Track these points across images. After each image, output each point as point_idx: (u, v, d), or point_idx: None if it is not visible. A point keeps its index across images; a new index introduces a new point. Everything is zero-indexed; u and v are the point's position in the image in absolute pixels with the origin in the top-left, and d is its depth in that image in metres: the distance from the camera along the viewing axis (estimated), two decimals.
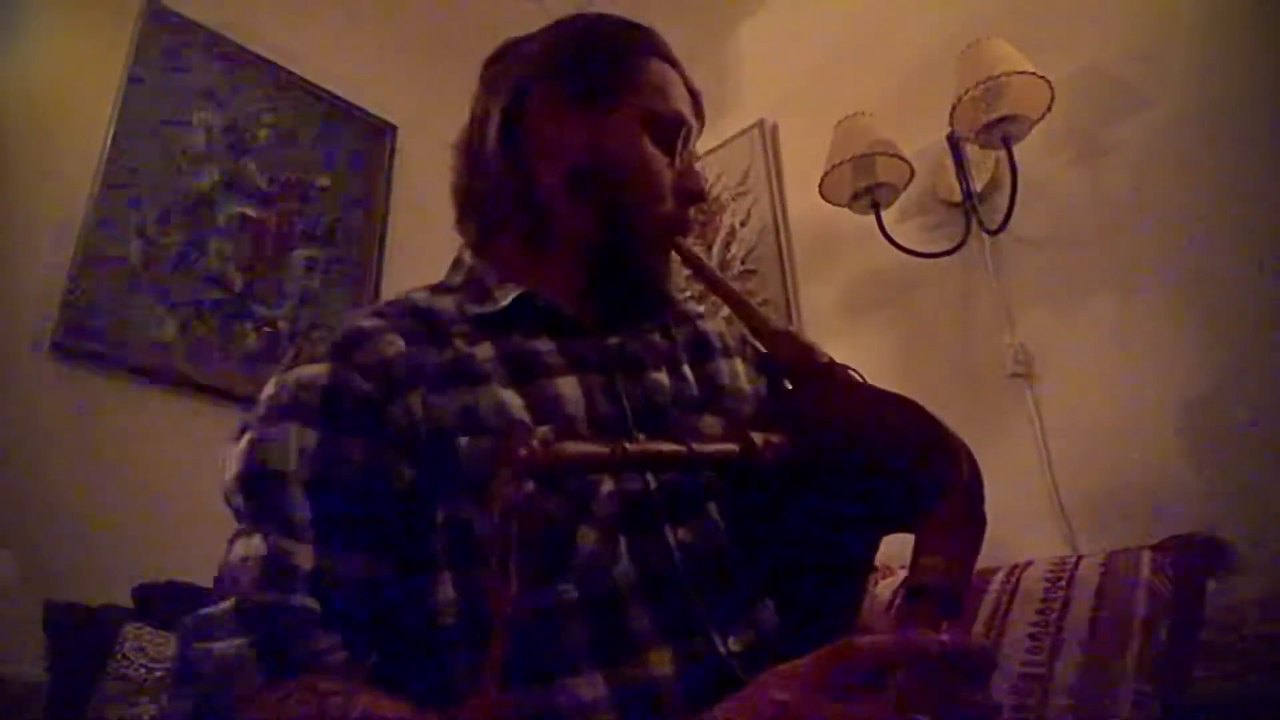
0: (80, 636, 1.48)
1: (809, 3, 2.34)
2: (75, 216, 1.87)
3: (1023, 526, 1.50)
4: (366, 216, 2.44)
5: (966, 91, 1.65)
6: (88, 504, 1.68)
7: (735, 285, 0.89)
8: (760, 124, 2.27)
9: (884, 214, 1.85)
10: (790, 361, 0.71)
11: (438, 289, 0.77)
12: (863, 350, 1.91)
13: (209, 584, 0.60)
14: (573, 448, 0.52)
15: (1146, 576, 1.14)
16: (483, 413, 0.64)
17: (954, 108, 1.69)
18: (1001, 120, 1.65)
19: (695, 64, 0.86)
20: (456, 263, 0.80)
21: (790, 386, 0.75)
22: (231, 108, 2.24)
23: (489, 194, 0.78)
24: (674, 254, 0.78)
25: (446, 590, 0.60)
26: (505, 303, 0.72)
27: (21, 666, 1.47)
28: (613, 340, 0.74)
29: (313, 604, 0.57)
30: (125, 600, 1.56)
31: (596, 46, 0.79)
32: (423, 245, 2.47)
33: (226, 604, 0.57)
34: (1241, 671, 1.12)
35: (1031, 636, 1.15)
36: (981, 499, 0.57)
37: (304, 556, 0.58)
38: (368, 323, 0.69)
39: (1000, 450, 1.60)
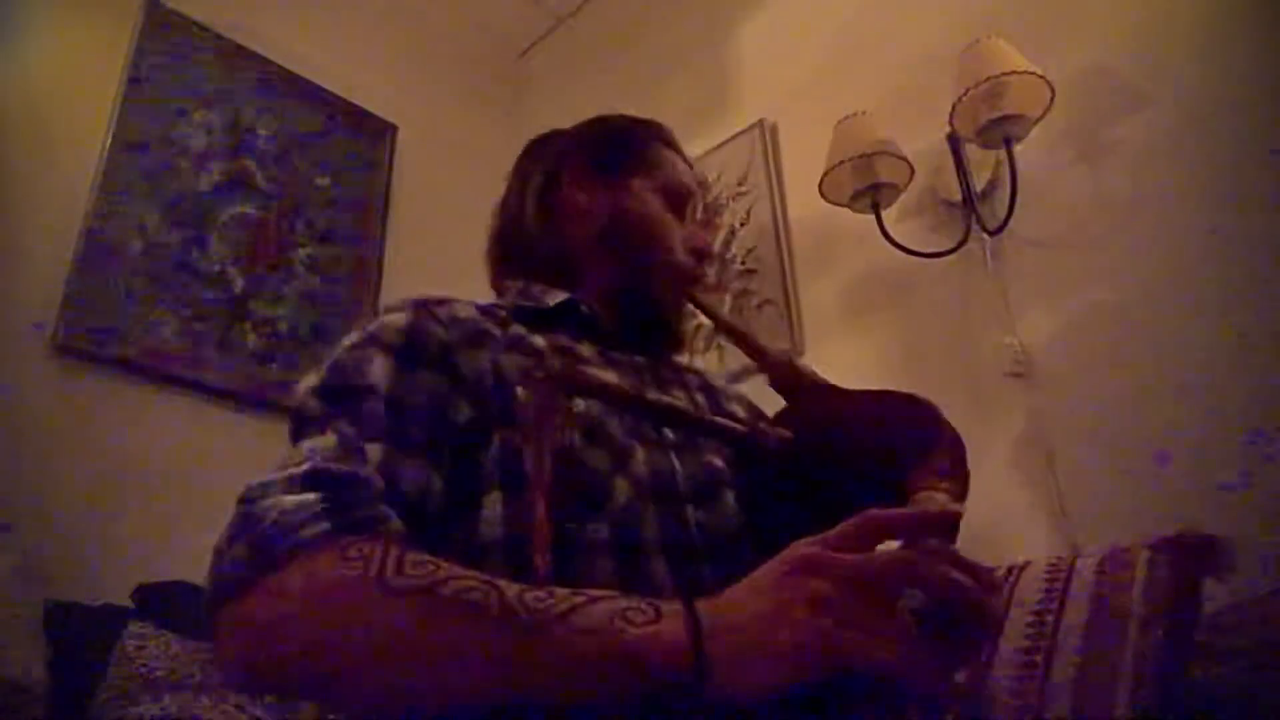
0: (80, 636, 1.48)
1: (809, 3, 2.34)
2: (75, 216, 1.87)
3: (1023, 526, 1.50)
4: (366, 216, 2.43)
5: (966, 91, 1.65)
6: (88, 504, 1.68)
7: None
8: (760, 124, 2.27)
9: (884, 214, 1.85)
10: (788, 382, 0.79)
11: (489, 303, 0.86)
12: (863, 350, 1.90)
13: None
14: (596, 373, 0.61)
15: (1143, 575, 1.14)
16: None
17: (954, 108, 1.69)
18: (1001, 120, 1.65)
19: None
20: (503, 291, 0.92)
21: (788, 405, 0.82)
22: (231, 108, 2.24)
23: (527, 248, 0.92)
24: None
25: (495, 507, 0.64)
26: (554, 303, 0.84)
27: (21, 666, 1.47)
28: (640, 359, 0.85)
29: (380, 480, 0.60)
30: (125, 600, 1.56)
31: (619, 134, 0.95)
32: (423, 245, 2.47)
33: (294, 469, 0.58)
34: (1239, 671, 1.12)
35: (1028, 636, 1.15)
36: (964, 455, 0.65)
37: (373, 450, 0.62)
38: (441, 295, 0.78)
39: (1000, 450, 1.60)
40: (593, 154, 0.93)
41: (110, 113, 1.99)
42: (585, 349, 0.80)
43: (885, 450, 0.67)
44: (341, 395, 0.65)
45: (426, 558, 0.53)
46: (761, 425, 0.69)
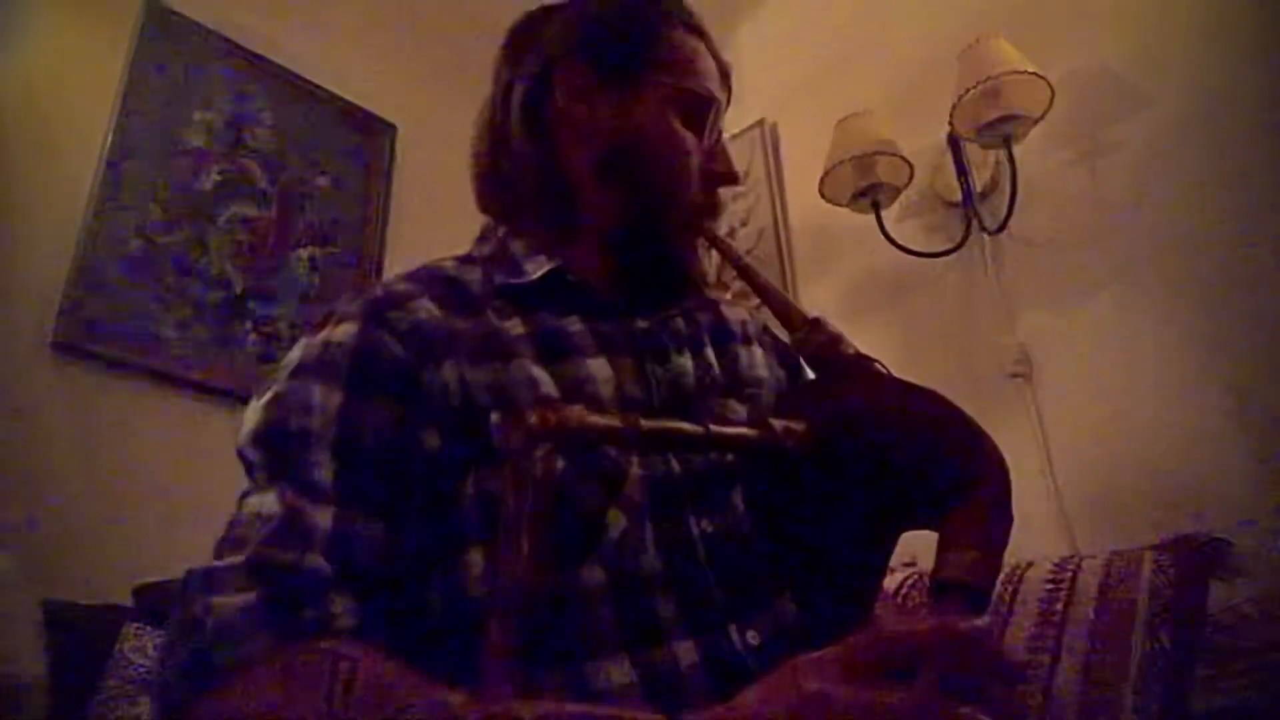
0: (80, 636, 1.48)
1: (809, 3, 2.34)
2: (75, 216, 1.87)
3: (1023, 526, 1.48)
4: (366, 216, 2.43)
5: (966, 91, 1.65)
6: (88, 504, 1.68)
7: (737, 285, 0.90)
8: (760, 124, 2.27)
9: (884, 214, 1.85)
10: (816, 350, 0.70)
11: (465, 260, 0.76)
12: (863, 350, 1.90)
13: None
14: (583, 417, 0.51)
15: (1148, 577, 1.14)
16: (514, 388, 0.63)
17: (954, 108, 1.69)
18: (1001, 120, 1.65)
19: None
20: (485, 234, 0.79)
21: (814, 375, 0.73)
22: (231, 108, 2.23)
23: (513, 175, 0.77)
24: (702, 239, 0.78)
25: (476, 564, 0.58)
26: (536, 276, 0.71)
27: (21, 666, 1.47)
28: (640, 324, 0.73)
29: (327, 567, 0.54)
30: (125, 600, 1.56)
31: (625, 20, 0.77)
32: (423, 245, 2.46)
33: (236, 559, 0.54)
34: (1243, 672, 1.12)
35: (1033, 638, 1.15)
36: (1009, 495, 0.57)
37: (322, 518, 0.56)
38: (400, 286, 0.68)
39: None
40: (592, 51, 0.75)
41: (110, 113, 1.99)
42: (573, 323, 0.69)
43: (923, 467, 0.60)
44: (285, 445, 0.59)
45: (378, 679, 0.47)
46: (775, 424, 0.59)
